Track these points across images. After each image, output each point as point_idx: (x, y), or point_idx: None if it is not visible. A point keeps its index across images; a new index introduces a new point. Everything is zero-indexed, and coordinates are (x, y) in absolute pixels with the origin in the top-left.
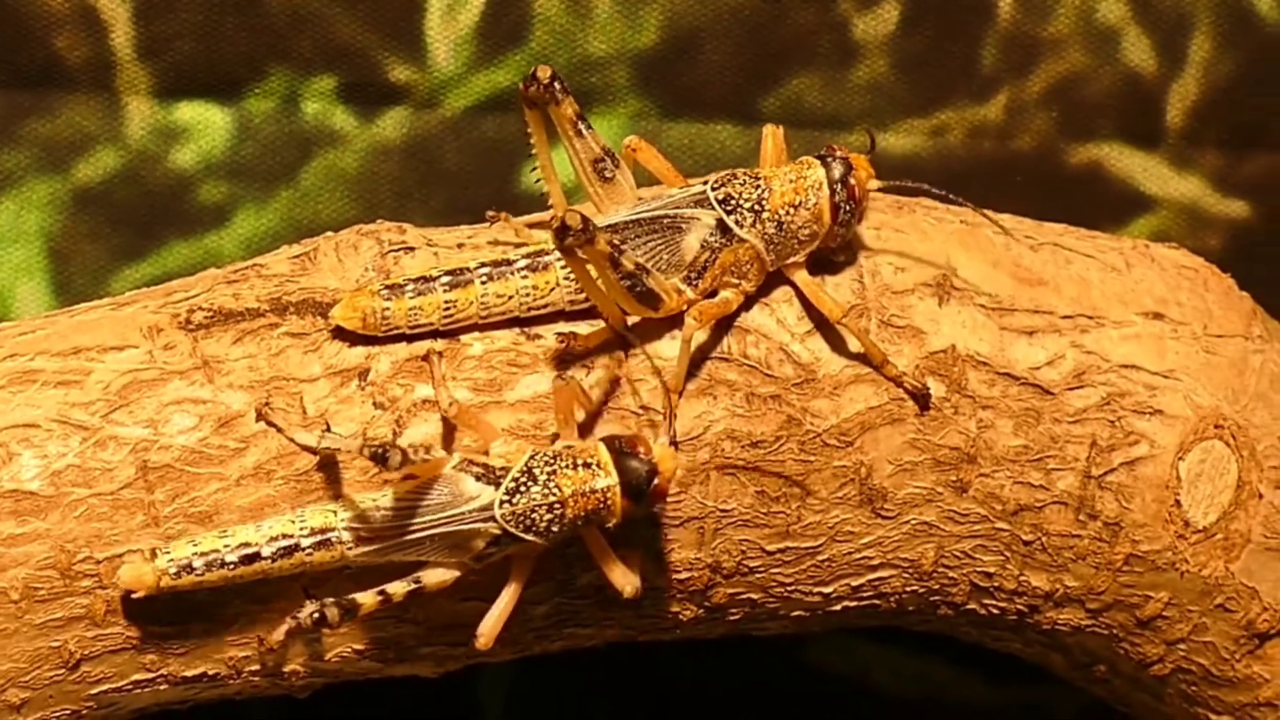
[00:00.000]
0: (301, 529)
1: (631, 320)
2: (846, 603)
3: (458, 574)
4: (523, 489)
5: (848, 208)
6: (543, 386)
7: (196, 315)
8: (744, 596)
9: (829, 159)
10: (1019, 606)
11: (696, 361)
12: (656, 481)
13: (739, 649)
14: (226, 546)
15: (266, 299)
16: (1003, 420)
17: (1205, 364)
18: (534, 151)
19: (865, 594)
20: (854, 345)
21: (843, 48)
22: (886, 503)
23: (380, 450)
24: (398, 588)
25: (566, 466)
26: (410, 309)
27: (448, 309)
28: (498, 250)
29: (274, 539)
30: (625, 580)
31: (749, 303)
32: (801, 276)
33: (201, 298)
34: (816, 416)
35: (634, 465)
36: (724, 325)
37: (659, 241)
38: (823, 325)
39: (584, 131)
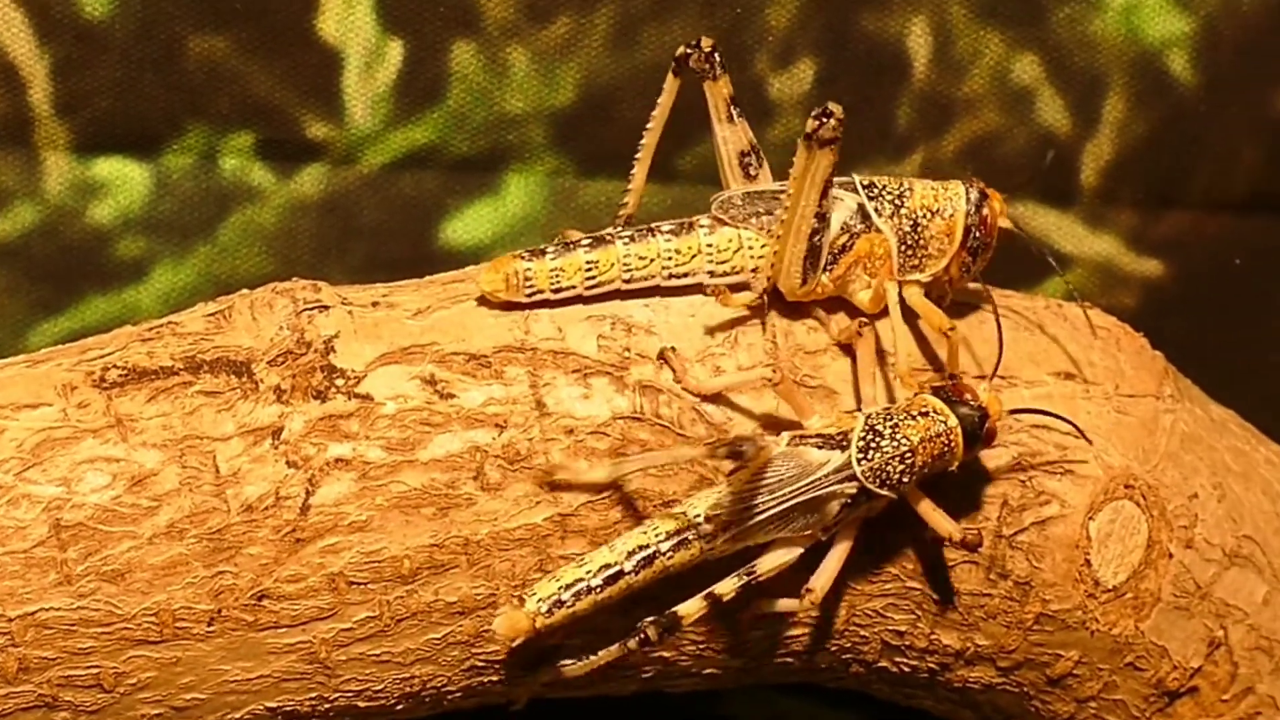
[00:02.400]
0: (657, 536)
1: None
2: (758, 660)
3: (799, 552)
4: (873, 445)
5: (978, 234)
6: (455, 446)
7: (111, 373)
8: (657, 655)
9: (970, 185)
10: (930, 664)
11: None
12: (988, 424)
13: (655, 703)
14: (589, 573)
15: (181, 357)
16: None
17: (1116, 424)
18: (651, 121)
19: (778, 652)
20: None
21: (759, 106)
22: None
23: (736, 448)
24: (727, 586)
25: (907, 418)
26: (552, 270)
27: (589, 270)
28: None
29: (631, 553)
30: (951, 527)
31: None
32: (915, 293)
33: (116, 356)
34: (728, 477)
35: (966, 410)
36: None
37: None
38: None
39: (735, 118)
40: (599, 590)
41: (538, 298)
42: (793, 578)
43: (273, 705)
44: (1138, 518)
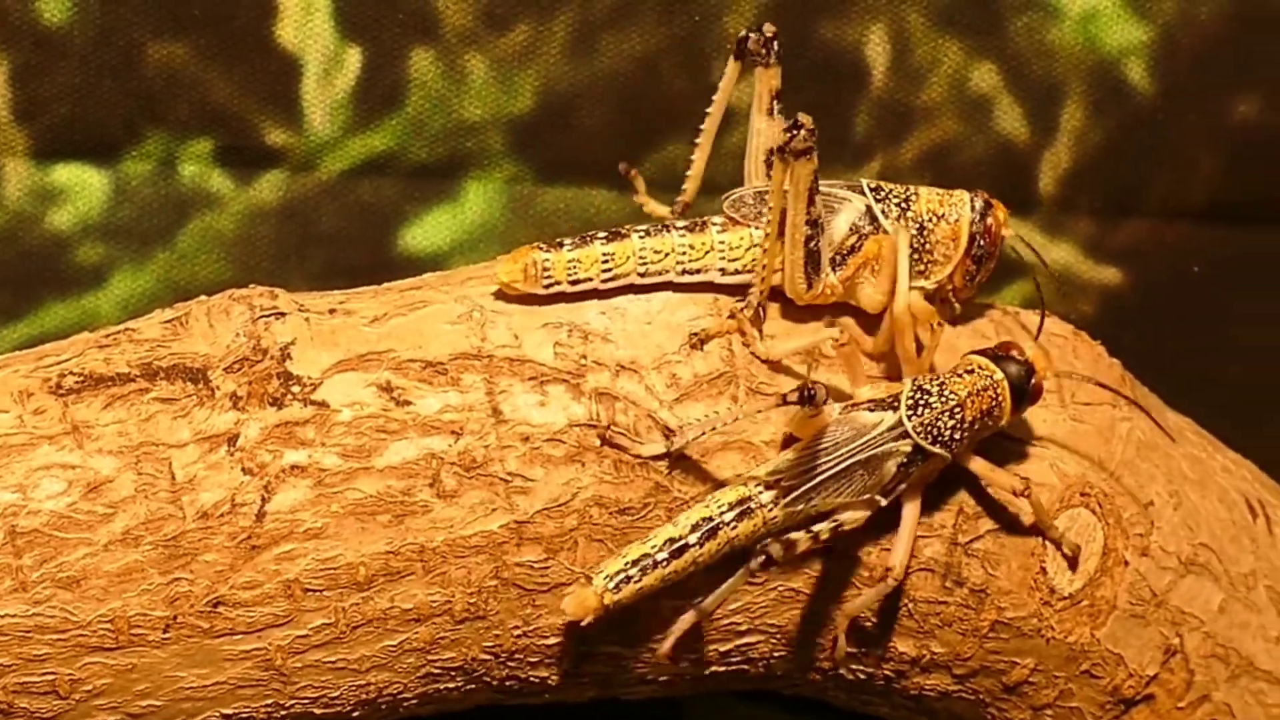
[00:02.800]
0: (719, 507)
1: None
2: (715, 667)
3: (868, 514)
4: (923, 403)
5: (982, 242)
6: (411, 453)
7: (67, 380)
8: (613, 661)
9: (974, 194)
10: (886, 672)
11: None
12: (1035, 379)
13: (615, 711)
14: (654, 548)
15: (137, 364)
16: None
17: (1073, 431)
18: (711, 105)
19: (733, 659)
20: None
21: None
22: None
23: (809, 392)
24: (823, 526)
25: (953, 376)
26: (569, 261)
27: (605, 262)
28: None
29: (695, 526)
30: (1014, 482)
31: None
32: (916, 299)
33: (72, 362)
34: (684, 484)
35: (1013, 366)
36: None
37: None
38: (692, 393)
39: (775, 113)
40: (665, 564)
41: (555, 289)
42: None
43: (229, 712)
44: (1094, 525)
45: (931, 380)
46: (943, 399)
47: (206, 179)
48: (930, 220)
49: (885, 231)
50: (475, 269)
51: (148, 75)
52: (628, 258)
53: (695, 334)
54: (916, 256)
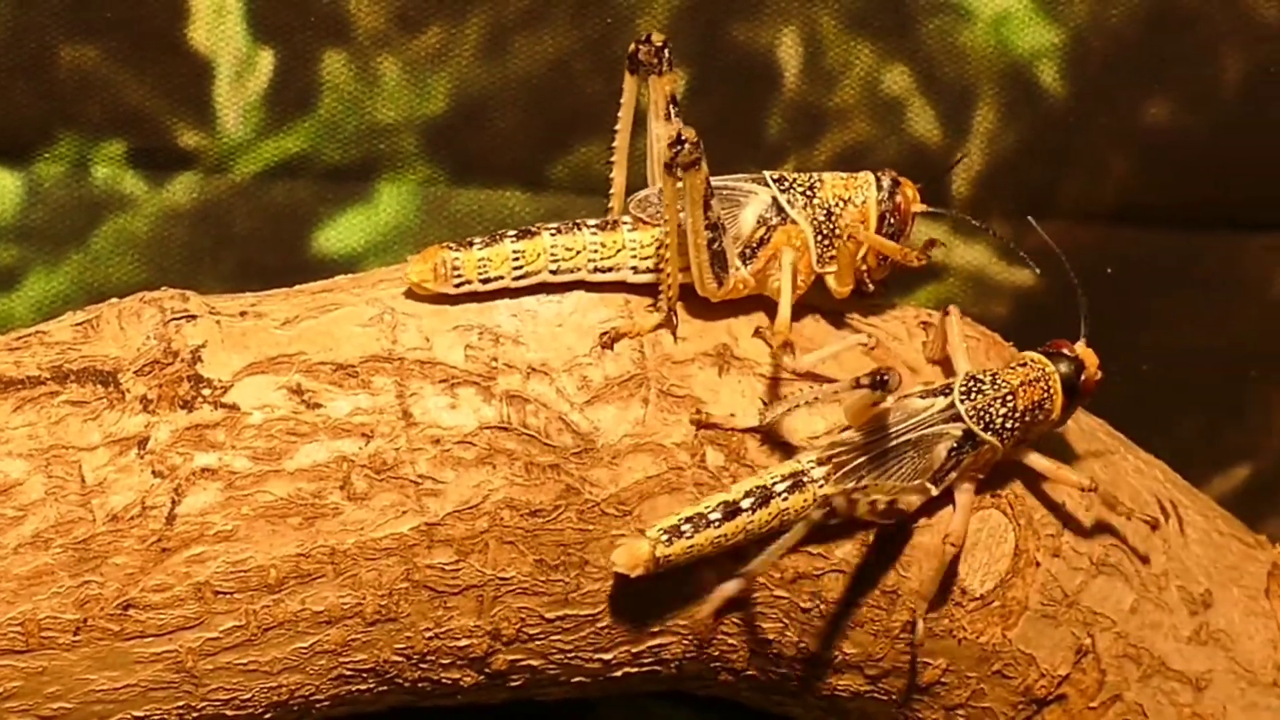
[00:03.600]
0: (773, 478)
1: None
2: (627, 669)
3: (921, 499)
4: (975, 389)
5: (892, 220)
6: (322, 455)
7: None
8: (524, 663)
9: (880, 173)
10: (799, 672)
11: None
12: (1085, 375)
13: (528, 712)
14: (707, 508)
15: (48, 367)
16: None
17: None
18: (618, 122)
19: (645, 660)
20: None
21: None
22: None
23: (883, 377)
24: (881, 498)
25: (1005, 369)
26: (479, 260)
27: (516, 260)
28: None
29: (749, 493)
30: (1083, 479)
31: (798, 310)
32: (837, 284)
33: None
34: (595, 486)
35: (1064, 363)
36: None
37: (719, 210)
38: (603, 395)
39: (673, 116)
40: (716, 525)
41: (465, 289)
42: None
43: (140, 714)
44: (1004, 526)
45: (985, 371)
46: (995, 387)
47: (119, 181)
48: (837, 205)
49: (793, 222)
50: (387, 271)
51: (59, 77)
52: (538, 255)
53: (605, 333)
54: (827, 243)
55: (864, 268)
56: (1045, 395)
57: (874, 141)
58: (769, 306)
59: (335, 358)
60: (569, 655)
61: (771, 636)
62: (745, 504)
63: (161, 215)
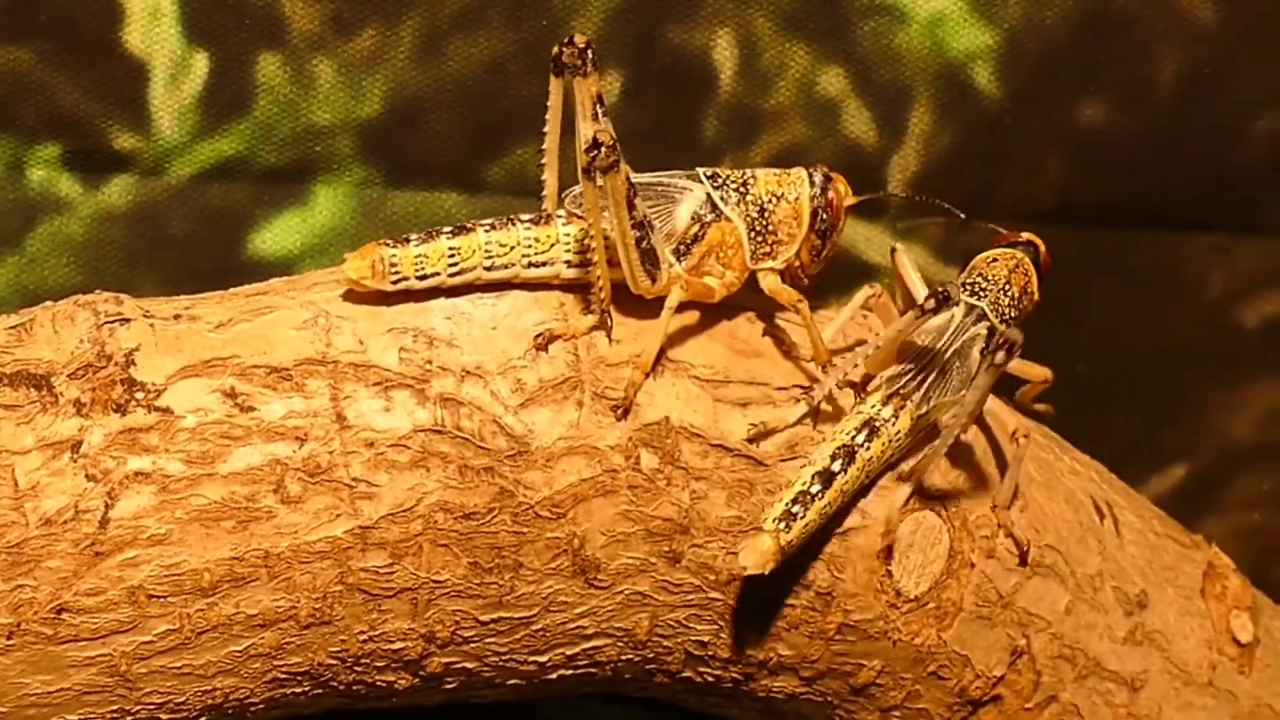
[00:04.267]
0: (848, 434)
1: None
2: (562, 671)
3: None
4: (979, 289)
5: (825, 216)
6: (255, 459)
7: None
8: (459, 665)
9: (813, 169)
10: (733, 674)
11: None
12: (1041, 253)
13: (468, 712)
14: (804, 483)
15: None
16: (716, 491)
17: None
18: (546, 124)
19: (581, 663)
20: (805, 343)
21: (565, 118)
22: (600, 573)
23: (944, 294)
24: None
25: (986, 265)
26: (416, 256)
27: (452, 256)
28: None
29: (834, 455)
30: (1041, 372)
31: (730, 310)
32: (772, 280)
33: None
34: (529, 489)
35: (1023, 247)
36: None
37: (654, 207)
38: (537, 398)
39: (600, 116)
40: (819, 496)
41: (403, 285)
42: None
43: (74, 718)
44: (939, 528)
45: (970, 273)
46: (992, 280)
47: (55, 183)
48: (771, 201)
49: (727, 219)
50: (321, 274)
51: None
52: (474, 251)
53: (539, 335)
54: (761, 238)
55: (798, 263)
56: (1027, 278)
57: (810, 143)
58: (701, 307)
59: (269, 361)
60: (504, 658)
61: (706, 639)
62: (835, 466)
63: (97, 218)
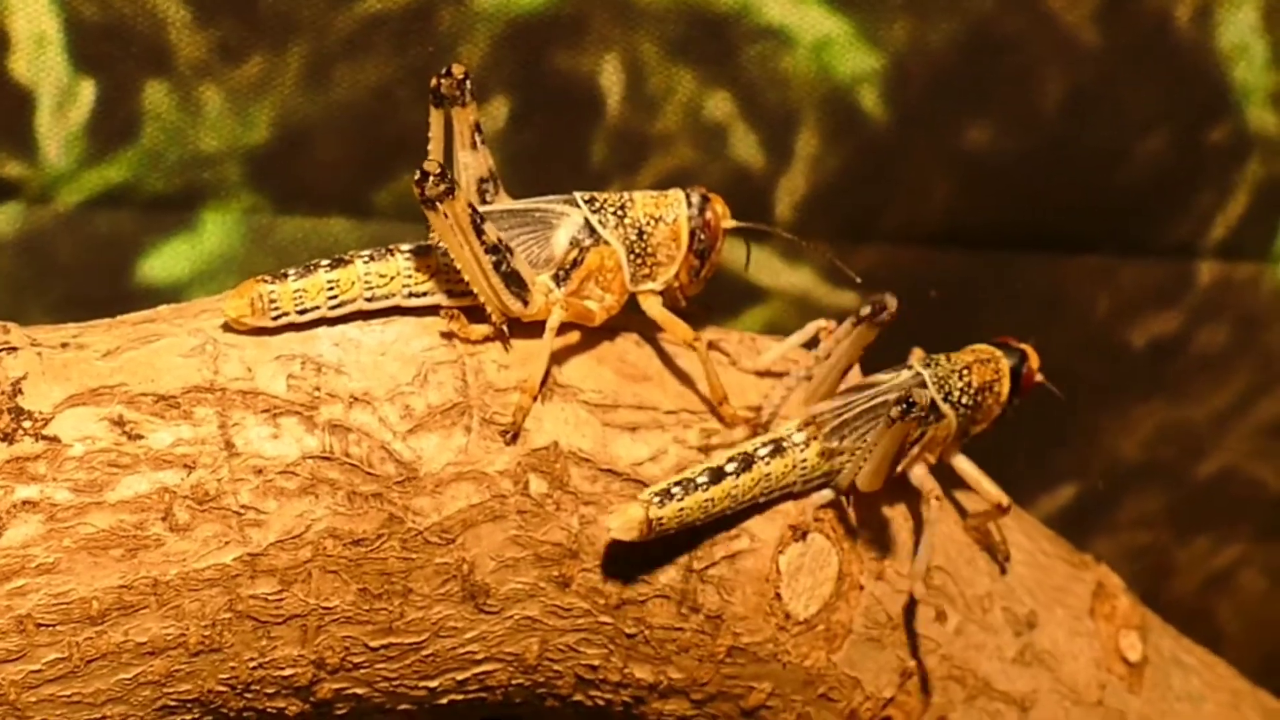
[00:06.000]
0: (754, 445)
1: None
2: (453, 696)
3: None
4: (934, 361)
5: (703, 236)
6: (143, 487)
7: None
8: (350, 691)
9: (690, 190)
10: (624, 698)
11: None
12: (1027, 367)
13: None
14: (694, 474)
15: None
16: (605, 516)
17: None
18: (429, 152)
19: (471, 688)
20: (700, 376)
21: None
22: (489, 598)
23: (880, 305)
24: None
25: (956, 353)
26: (295, 291)
27: (331, 290)
28: None
29: (732, 459)
30: (1001, 496)
31: (618, 334)
32: (654, 304)
33: None
34: (418, 514)
35: (1010, 353)
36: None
37: (531, 234)
38: (426, 424)
39: (478, 145)
40: (703, 487)
41: (284, 320)
42: None
43: None
44: (828, 550)
45: (939, 356)
46: (950, 361)
47: None
48: (649, 224)
49: (605, 243)
50: (209, 301)
51: None
52: (353, 284)
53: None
54: (640, 261)
55: (677, 284)
56: (995, 377)
57: (697, 167)
58: (588, 332)
59: (157, 389)
60: (394, 683)
61: (597, 663)
62: (729, 468)
63: None
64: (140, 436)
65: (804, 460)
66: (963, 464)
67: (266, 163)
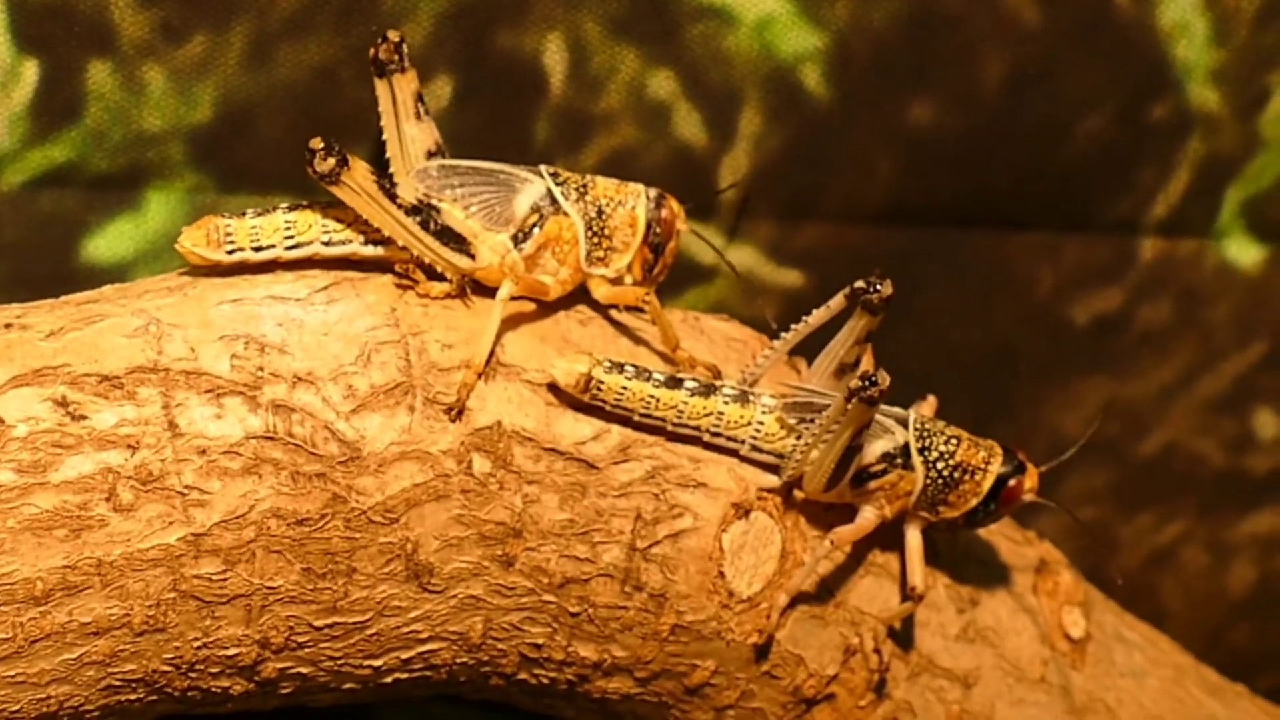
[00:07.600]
0: (723, 383)
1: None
2: (397, 675)
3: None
4: (927, 420)
5: (658, 231)
6: (87, 467)
7: None
8: (294, 671)
9: (648, 188)
10: (569, 676)
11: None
12: (1011, 483)
13: (303, 716)
14: (655, 369)
15: None
16: (548, 495)
17: None
18: (383, 129)
19: (416, 666)
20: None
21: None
22: (433, 578)
23: (872, 380)
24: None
25: (960, 430)
26: (252, 227)
27: (288, 230)
28: None
29: (696, 380)
30: (922, 581)
31: (564, 303)
32: (604, 288)
33: None
34: (362, 494)
35: (1008, 459)
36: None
37: (494, 193)
38: (369, 404)
39: (423, 115)
40: (656, 385)
41: (238, 256)
42: None
43: None
44: (771, 529)
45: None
46: (946, 427)
47: None
48: (608, 205)
49: (565, 214)
50: (152, 281)
51: None
52: (310, 226)
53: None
54: (596, 241)
55: (630, 277)
56: (981, 466)
57: (640, 146)
58: (533, 312)
59: (100, 369)
60: (339, 662)
61: (541, 641)
62: (689, 384)
63: None
64: (84, 417)
65: (761, 423)
66: (913, 539)
67: (210, 142)
